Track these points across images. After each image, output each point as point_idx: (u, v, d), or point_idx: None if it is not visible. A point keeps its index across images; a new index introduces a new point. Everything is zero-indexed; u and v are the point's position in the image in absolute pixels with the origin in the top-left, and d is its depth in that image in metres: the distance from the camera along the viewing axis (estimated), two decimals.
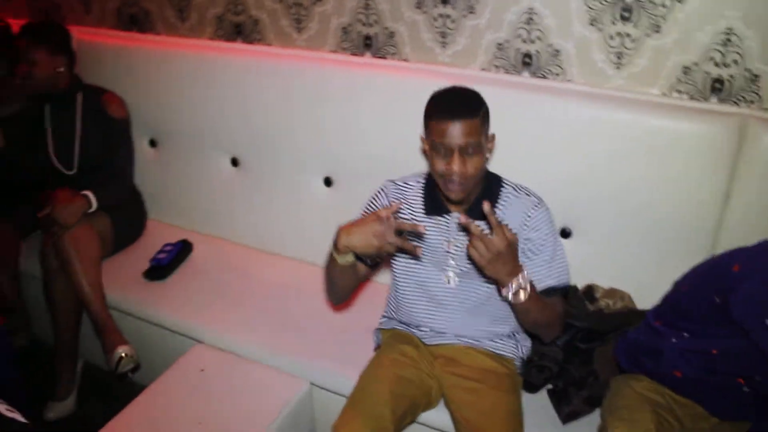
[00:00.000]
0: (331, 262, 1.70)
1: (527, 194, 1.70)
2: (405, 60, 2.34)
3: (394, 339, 1.89)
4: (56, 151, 2.58)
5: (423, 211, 1.74)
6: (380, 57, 2.38)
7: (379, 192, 1.81)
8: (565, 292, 1.79)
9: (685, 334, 1.58)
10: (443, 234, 1.72)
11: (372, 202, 1.81)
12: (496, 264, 1.48)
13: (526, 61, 2.13)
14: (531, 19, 2.05)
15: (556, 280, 1.69)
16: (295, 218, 2.54)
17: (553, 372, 1.86)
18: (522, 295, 1.53)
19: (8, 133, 2.56)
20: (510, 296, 1.54)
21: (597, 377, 1.82)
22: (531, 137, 2.05)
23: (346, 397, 1.97)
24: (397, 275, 1.84)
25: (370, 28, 2.35)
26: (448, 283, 1.75)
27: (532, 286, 1.57)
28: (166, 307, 2.35)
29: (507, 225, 1.49)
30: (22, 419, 1.29)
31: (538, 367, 1.86)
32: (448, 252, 1.72)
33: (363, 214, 1.77)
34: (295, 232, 2.57)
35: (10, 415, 1.26)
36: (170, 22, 2.78)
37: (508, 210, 1.68)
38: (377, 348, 1.97)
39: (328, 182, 2.43)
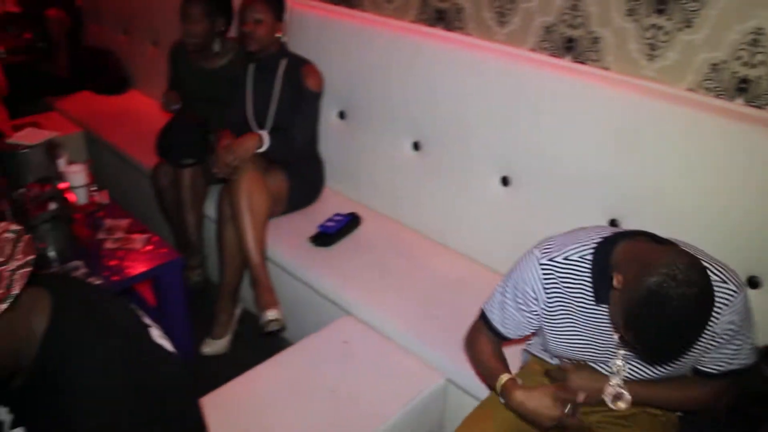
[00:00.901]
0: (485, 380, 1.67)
1: (723, 280, 1.34)
2: (606, 68, 2.21)
3: (541, 367, 1.74)
4: (253, 109, 2.74)
5: (593, 299, 1.45)
6: (580, 62, 2.27)
7: (531, 272, 1.51)
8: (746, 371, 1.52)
9: None
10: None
11: (520, 282, 1.54)
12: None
13: (742, 87, 1.92)
14: (756, 40, 1.85)
15: (738, 365, 1.45)
16: (468, 213, 2.50)
17: (704, 430, 1.68)
18: (622, 404, 1.48)
19: (213, 85, 2.77)
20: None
21: None
22: (736, 173, 1.83)
23: (480, 400, 1.93)
24: (554, 346, 1.60)
25: (574, 31, 2.25)
26: (617, 372, 1.52)
27: (641, 383, 1.50)
28: (324, 273, 2.42)
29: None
30: (170, 348, 1.38)
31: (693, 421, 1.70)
32: (619, 343, 1.49)
33: (506, 288, 1.59)
34: (465, 227, 2.53)
35: (159, 341, 1.35)
36: (377, 1, 2.84)
37: None
38: (522, 367, 1.85)
39: (505, 182, 2.37)
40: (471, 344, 1.72)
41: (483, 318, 1.67)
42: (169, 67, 3.15)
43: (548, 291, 1.49)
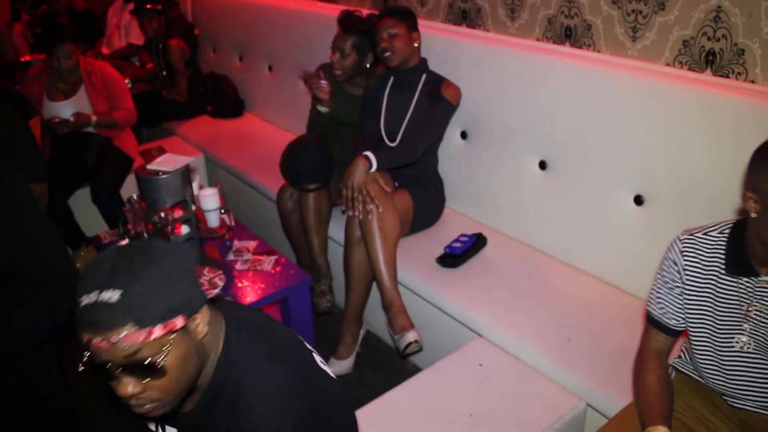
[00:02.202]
0: (639, 413, 1.61)
1: None
2: (752, 81, 2.11)
3: (687, 387, 1.69)
4: (385, 122, 2.79)
5: (723, 269, 1.49)
6: (722, 75, 2.18)
7: (672, 248, 1.56)
8: None
9: None
10: (744, 297, 1.47)
11: (665, 261, 1.58)
12: None
13: None
14: None
15: None
16: (600, 234, 2.44)
17: None
18: None
19: (356, 110, 2.83)
20: None
21: None
22: None
23: None
24: (690, 331, 1.60)
25: (717, 43, 2.16)
26: (741, 348, 1.50)
27: None
28: (454, 295, 2.41)
29: None
30: (331, 374, 1.40)
31: None
32: (746, 315, 1.47)
33: (657, 277, 1.60)
34: (597, 249, 2.46)
35: (323, 367, 1.37)
36: (500, 20, 2.82)
37: None
38: None
39: (638, 201, 2.30)
40: (639, 368, 1.67)
41: (648, 317, 1.66)
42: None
43: (686, 263, 1.53)
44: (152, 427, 1.34)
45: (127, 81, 4.36)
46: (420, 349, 2.39)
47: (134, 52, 5.00)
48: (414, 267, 2.57)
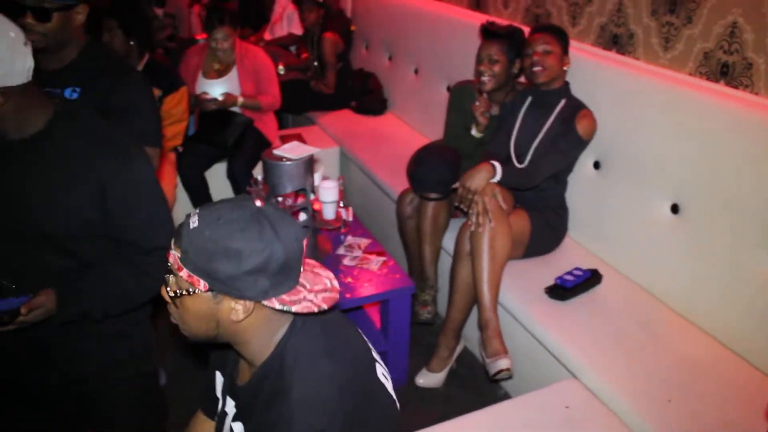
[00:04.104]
0: None
1: None
2: None
3: None
4: (516, 141, 2.73)
5: None
6: None
7: None
8: None
9: None
10: None
11: None
12: None
13: None
14: None
15: None
16: (727, 292, 2.23)
17: None
18: None
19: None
20: None
21: None
22: None
23: None
24: None
25: None
26: None
27: None
28: (555, 329, 2.30)
29: None
30: (390, 390, 1.36)
31: None
32: None
33: None
34: (721, 308, 2.25)
35: (382, 379, 1.34)
36: (652, 50, 2.65)
37: None
38: None
39: None
40: None
41: None
42: (450, 108, 3.11)
43: None
44: (218, 394, 1.40)
45: (280, 67, 4.55)
46: (510, 377, 2.31)
47: (293, 42, 5.20)
48: (520, 292, 2.49)
